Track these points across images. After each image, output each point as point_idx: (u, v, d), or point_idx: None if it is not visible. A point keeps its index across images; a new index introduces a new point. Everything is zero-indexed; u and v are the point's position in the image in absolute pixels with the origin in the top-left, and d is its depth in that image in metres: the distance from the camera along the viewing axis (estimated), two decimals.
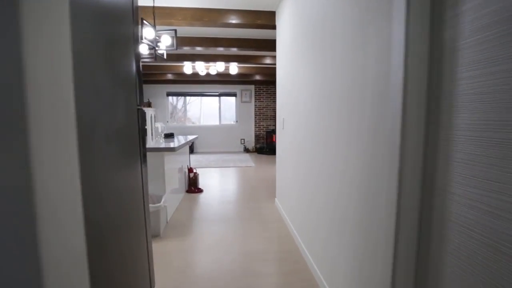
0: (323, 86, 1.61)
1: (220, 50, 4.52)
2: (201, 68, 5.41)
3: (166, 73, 7.03)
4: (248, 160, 6.62)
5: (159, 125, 3.43)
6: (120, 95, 1.18)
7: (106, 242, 0.98)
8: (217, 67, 5.45)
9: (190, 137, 3.72)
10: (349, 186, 1.28)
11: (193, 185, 3.82)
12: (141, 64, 1.53)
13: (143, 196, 1.45)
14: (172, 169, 3.00)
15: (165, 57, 3.00)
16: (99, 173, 0.93)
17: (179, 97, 9.87)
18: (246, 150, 8.37)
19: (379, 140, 1.03)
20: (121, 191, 1.15)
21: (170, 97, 8.60)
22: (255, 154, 7.98)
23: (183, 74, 7.06)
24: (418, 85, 0.84)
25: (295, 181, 2.34)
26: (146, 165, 1.50)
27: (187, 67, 5.50)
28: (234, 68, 5.64)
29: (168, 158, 2.78)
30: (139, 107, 1.41)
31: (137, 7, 1.40)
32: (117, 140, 1.12)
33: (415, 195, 0.87)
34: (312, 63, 1.82)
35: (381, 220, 1.02)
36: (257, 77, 7.25)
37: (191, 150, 8.06)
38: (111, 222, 1.02)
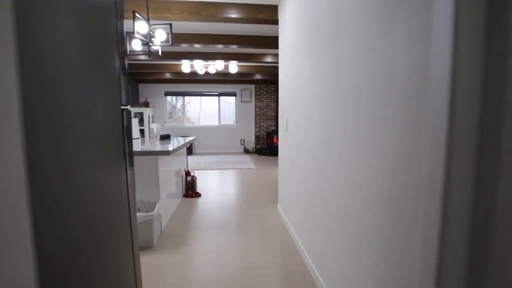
0: (336, 84, 1.43)
1: (219, 47, 4.34)
2: (200, 66, 5.22)
3: (164, 72, 6.84)
4: (248, 162, 6.43)
5: (154, 126, 3.24)
6: (99, 95, 1.00)
7: (73, 265, 0.79)
8: (216, 66, 5.27)
9: (188, 139, 3.53)
10: (368, 198, 1.09)
11: (191, 189, 3.63)
12: (126, 61, 1.34)
13: (129, 204, 1.26)
14: (168, 173, 2.81)
15: (160, 53, 2.81)
16: (64, 178, 0.74)
17: (179, 97, 9.70)
18: (246, 151, 8.19)
19: (412, 145, 0.84)
20: (98, 199, 0.96)
21: (169, 97, 8.41)
22: (255, 155, 7.80)
23: (182, 73, 6.88)
24: (470, 80, 0.65)
25: (300, 188, 2.15)
26: (132, 169, 1.31)
27: (185, 66, 5.32)
28: (233, 67, 5.45)
29: (163, 161, 2.59)
30: (124, 107, 1.22)
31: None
32: (92, 143, 0.93)
33: (465, 217, 0.68)
34: (322, 58, 1.64)
35: (409, 240, 0.83)
36: (258, 76, 7.07)
37: (190, 151, 7.87)
38: (80, 238, 0.83)
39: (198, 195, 3.60)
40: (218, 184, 4.33)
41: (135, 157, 2.37)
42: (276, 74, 7.00)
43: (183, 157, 3.73)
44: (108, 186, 1.05)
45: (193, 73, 6.86)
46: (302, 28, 2.03)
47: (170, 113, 8.59)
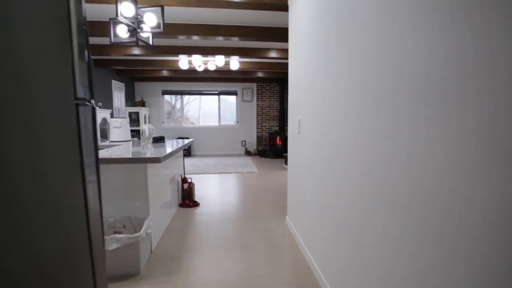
0: (365, 79, 1.04)
1: (220, 41, 3.95)
2: (198, 62, 4.83)
3: (160, 69, 6.45)
4: (250, 165, 6.04)
5: (146, 127, 2.86)
6: (41, 87, 0.62)
7: None
8: (216, 62, 4.88)
9: (185, 141, 3.15)
10: (424, 224, 0.71)
11: (187, 198, 3.24)
12: (87, 45, 0.95)
13: (88, 224, 0.87)
14: (160, 182, 2.42)
15: (150, 42, 2.42)
16: None
17: (178, 97, 9.32)
18: (248, 153, 7.80)
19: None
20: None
21: (167, 97, 8.01)
22: (257, 157, 7.41)
23: (180, 71, 6.49)
24: None
25: (317, 201, 1.77)
26: (95, 181, 0.93)
27: (183, 62, 4.93)
28: (235, 63, 5.07)
29: (154, 169, 2.20)
30: (82, 101, 0.83)
31: None
32: (21, 146, 0.55)
33: None
34: (347, 47, 1.25)
35: None
36: (260, 74, 6.68)
37: (188, 153, 7.48)
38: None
39: (196, 204, 3.21)
40: (218, 191, 3.94)
41: (119, 166, 1.99)
42: (280, 72, 6.62)
43: (179, 162, 3.34)
44: (51, 203, 0.67)
45: (192, 71, 6.47)
46: (321, 13, 1.64)
47: (169, 113, 8.20)
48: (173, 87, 7.70)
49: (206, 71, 6.50)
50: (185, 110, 10.23)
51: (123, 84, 6.75)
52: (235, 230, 2.52)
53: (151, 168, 2.11)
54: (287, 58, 4.84)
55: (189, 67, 5.28)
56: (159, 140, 2.96)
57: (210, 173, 5.15)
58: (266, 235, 2.41)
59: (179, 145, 2.71)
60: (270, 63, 5.70)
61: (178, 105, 10.15)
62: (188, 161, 6.60)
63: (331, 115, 1.54)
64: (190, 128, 7.92)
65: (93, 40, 4.14)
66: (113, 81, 6.20)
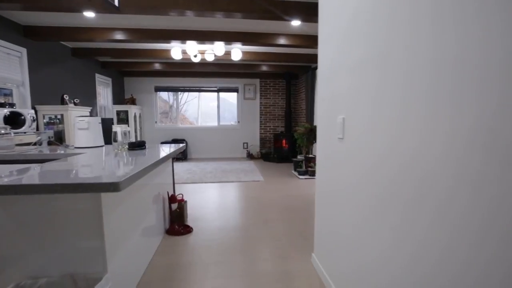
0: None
1: (219, 18, 3.19)
2: (194, 51, 4.06)
3: (152, 62, 5.68)
4: (254, 171, 5.28)
5: (118, 129, 2.10)
6: None
7: None
8: (215, 51, 4.12)
9: (172, 148, 2.38)
10: None
11: (178, 221, 2.48)
12: None
13: None
14: (129, 212, 1.65)
15: (116, 2, 1.65)
16: None
17: (178, 95, 8.65)
18: (250, 156, 7.03)
19: None
20: None
21: (164, 95, 7.24)
22: (261, 161, 6.65)
23: (174, 64, 5.72)
24: None
25: (379, 245, 1.00)
26: None
27: (176, 51, 4.16)
28: (237, 53, 4.30)
29: (117, 196, 1.43)
30: None
31: None
32: None
33: None
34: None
35: None
36: (264, 68, 5.92)
37: (184, 157, 6.71)
38: None
39: (187, 230, 2.45)
40: (217, 209, 3.17)
41: (54, 196, 1.22)
42: (287, 66, 5.85)
43: (167, 173, 2.57)
44: None
45: (187, 64, 5.71)
46: None
47: (166, 113, 7.43)
48: (168, 83, 6.93)
49: (203, 64, 5.74)
50: (183, 109, 9.53)
51: (109, 79, 5.97)
52: (241, 275, 1.75)
53: (111, 196, 1.35)
54: (297, 46, 4.08)
55: (183, 58, 4.51)
56: (137, 146, 2.19)
57: (207, 182, 4.38)
58: (285, 285, 1.65)
59: (165, 153, 1.95)
60: (277, 54, 4.94)
61: (177, 104, 9.41)
62: (183, 166, 5.83)
63: (405, 109, 0.77)
64: (186, 129, 7.15)
65: (64, 21, 3.38)
66: (98, 75, 5.42)
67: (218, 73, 6.67)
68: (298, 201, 3.38)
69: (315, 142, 4.77)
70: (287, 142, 6.57)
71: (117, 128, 2.14)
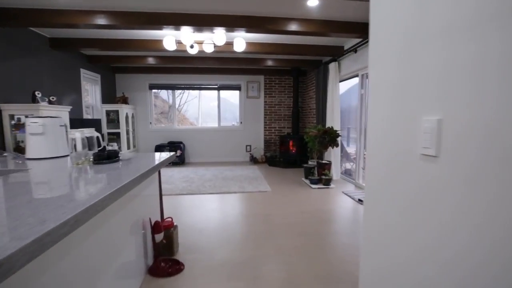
0: None
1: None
2: (189, 40, 3.46)
3: (145, 56, 5.08)
4: (259, 178, 4.67)
5: (77, 135, 1.50)
6: None
7: None
8: (214, 40, 3.51)
9: (154, 159, 1.76)
10: None
11: (165, 255, 1.88)
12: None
13: None
14: (94, 255, 1.04)
15: None
16: None
17: (178, 94, 8.16)
18: (254, 160, 6.42)
19: None
20: None
21: (163, 94, 6.65)
22: (265, 166, 6.03)
23: (169, 59, 5.12)
24: None
25: None
26: None
27: (169, 41, 3.56)
28: (240, 43, 3.69)
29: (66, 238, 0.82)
30: None
31: None
32: None
33: None
34: None
35: None
36: (269, 62, 5.31)
37: (181, 161, 6.10)
38: None
39: (177, 268, 1.84)
40: (216, 232, 2.56)
41: None
42: (296, 61, 5.24)
43: (149, 193, 1.96)
44: None
45: (184, 58, 5.11)
46: None
47: (166, 113, 6.85)
48: (163, 80, 6.33)
49: (202, 59, 5.14)
50: (183, 109, 8.99)
51: (98, 76, 5.38)
52: None
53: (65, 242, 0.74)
54: (310, 34, 3.47)
55: (178, 49, 3.91)
56: (106, 158, 1.58)
57: (206, 193, 3.77)
58: None
59: (142, 170, 1.35)
60: (284, 46, 4.33)
61: (177, 104, 8.87)
62: (180, 172, 5.22)
63: None
64: (184, 131, 6.54)
65: (37, 2, 2.79)
66: (83, 71, 4.82)
67: (219, 69, 6.07)
68: (315, 221, 2.77)
69: (333, 146, 4.16)
70: (294, 145, 5.96)
71: (76, 134, 1.55)
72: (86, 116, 4.94)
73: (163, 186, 4.15)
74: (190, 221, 2.78)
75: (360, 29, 3.43)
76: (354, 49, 3.99)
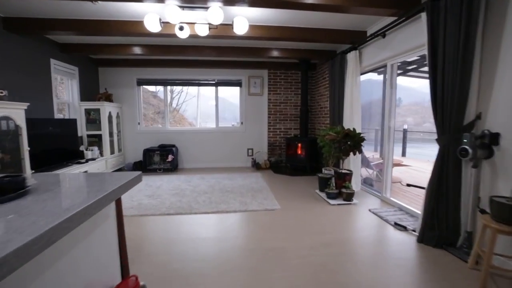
0: None
1: None
2: (176, 18, 2.69)
3: (129, 45, 4.30)
4: (264, 190, 3.90)
5: None
6: None
7: None
8: (209, 18, 2.74)
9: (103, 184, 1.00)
10: None
11: None
12: None
13: None
14: None
15: None
16: None
17: (176, 94, 7.55)
18: (256, 166, 5.65)
19: None
20: None
21: (161, 92, 5.88)
22: (270, 172, 5.27)
23: (158, 48, 4.36)
24: None
25: None
26: None
27: (151, 20, 2.79)
28: (241, 24, 2.92)
29: None
30: None
31: None
32: None
33: None
34: None
35: None
36: (274, 53, 4.54)
37: (173, 167, 5.33)
38: None
39: None
40: (211, 281, 1.79)
41: None
42: (305, 51, 4.47)
43: (98, 240, 1.18)
44: None
45: (175, 48, 4.35)
46: None
47: (163, 113, 6.08)
48: (153, 75, 5.55)
49: (196, 48, 4.37)
50: (182, 109, 8.32)
51: (75, 69, 4.61)
52: None
53: None
54: (330, 8, 2.72)
55: (166, 32, 3.15)
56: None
57: (199, 213, 3.00)
58: None
59: (60, 218, 0.59)
60: (295, 30, 3.56)
61: (174, 103, 8.26)
62: (170, 181, 4.45)
63: None
64: (177, 132, 5.76)
65: None
66: (54, 61, 4.05)
67: (217, 62, 5.30)
68: (346, 261, 2.00)
69: (356, 152, 3.39)
70: (303, 149, 5.20)
71: None
72: (58, 115, 4.16)
73: (147, 201, 3.39)
74: (176, 260, 2.01)
75: (397, 3, 2.67)
76: (382, 33, 3.22)
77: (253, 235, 2.46)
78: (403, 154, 8.00)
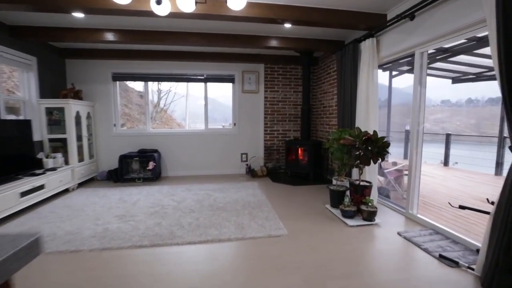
0: None
1: None
2: None
3: (99, 30, 3.54)
4: (264, 206, 3.22)
5: None
6: None
7: None
8: None
9: None
10: None
11: None
12: None
13: None
14: None
15: None
16: None
17: (163, 93, 6.84)
18: (252, 173, 4.97)
19: None
20: None
21: (150, 91, 5.11)
22: (267, 181, 4.60)
23: (135, 34, 3.62)
24: None
25: None
26: None
27: None
28: None
29: None
30: None
31: None
32: None
33: None
34: None
35: None
36: (273, 42, 3.87)
37: (155, 177, 4.57)
38: None
39: None
40: None
41: None
42: (311, 41, 3.83)
43: None
44: None
45: (155, 34, 3.62)
46: None
47: (149, 114, 5.30)
48: (132, 69, 4.78)
49: (181, 35, 3.66)
50: (170, 109, 7.67)
51: (33, 59, 3.80)
52: None
53: None
54: None
55: (139, 8, 2.44)
56: None
57: (182, 244, 2.29)
58: None
59: None
60: (304, 10, 2.91)
61: (162, 103, 7.60)
62: (149, 195, 3.69)
63: None
64: (160, 135, 5.01)
65: None
66: (1, 48, 3.24)
67: (206, 54, 4.59)
68: None
69: (379, 160, 2.76)
70: (305, 154, 4.56)
71: None
72: (5, 116, 3.35)
73: (116, 225, 2.55)
74: None
75: None
76: (410, 14, 2.61)
77: (256, 280, 1.77)
78: (405, 156, 7.53)
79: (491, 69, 5.47)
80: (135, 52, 4.47)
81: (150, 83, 5.05)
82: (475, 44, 3.90)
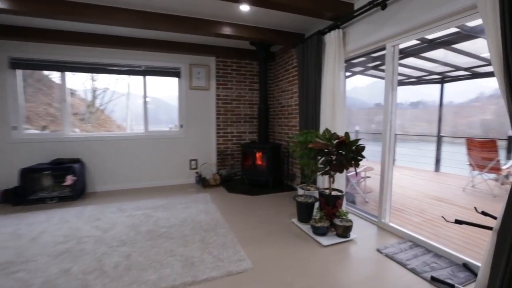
0: None
1: None
2: None
3: None
4: (219, 227, 2.61)
5: None
6: None
7: None
8: None
9: None
10: None
11: None
12: None
13: None
14: None
15: None
16: None
17: (99, 91, 5.54)
18: (203, 183, 4.27)
19: None
20: None
21: (81, 90, 3.89)
22: (222, 191, 3.98)
23: (38, 1, 2.63)
24: None
25: None
26: None
27: None
28: None
29: None
30: None
31: None
32: None
33: None
34: None
35: None
36: (227, 30, 3.30)
37: (77, 194, 3.54)
38: None
39: None
40: None
41: None
42: (268, 31, 3.37)
43: None
44: None
45: (63, 4, 2.70)
46: None
47: (82, 114, 4.07)
48: (41, 54, 3.65)
49: (106, 9, 2.82)
50: (108, 110, 6.41)
51: None
52: None
53: None
54: None
55: None
56: None
57: None
58: None
59: None
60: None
61: (97, 102, 6.27)
62: (63, 222, 2.73)
63: None
64: (84, 140, 3.95)
65: None
66: None
67: (144, 40, 3.75)
68: None
69: (354, 165, 2.40)
70: (264, 158, 4.09)
71: None
72: None
73: None
74: None
75: None
76: (381, 3, 2.33)
77: None
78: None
79: (431, 73, 5.84)
80: (44, 32, 3.39)
81: (71, 74, 3.93)
82: (426, 46, 3.96)
